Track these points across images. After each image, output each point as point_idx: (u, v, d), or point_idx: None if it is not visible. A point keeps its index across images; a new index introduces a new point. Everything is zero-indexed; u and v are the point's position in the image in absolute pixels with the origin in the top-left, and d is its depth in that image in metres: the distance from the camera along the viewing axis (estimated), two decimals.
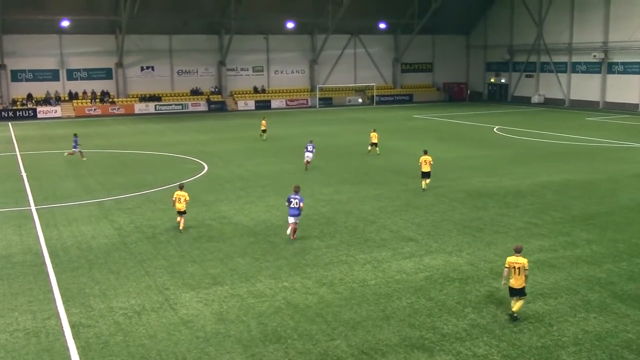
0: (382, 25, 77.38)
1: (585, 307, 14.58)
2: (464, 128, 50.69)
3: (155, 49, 69.83)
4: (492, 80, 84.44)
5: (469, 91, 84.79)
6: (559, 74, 75.13)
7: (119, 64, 68.62)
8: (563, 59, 74.35)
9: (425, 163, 27.10)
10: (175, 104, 69.73)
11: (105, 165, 34.25)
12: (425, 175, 27.10)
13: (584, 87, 72.03)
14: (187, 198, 21.21)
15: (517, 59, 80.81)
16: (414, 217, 22.79)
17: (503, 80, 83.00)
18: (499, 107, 72.18)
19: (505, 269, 14.16)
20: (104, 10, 65.60)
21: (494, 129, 49.53)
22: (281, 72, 76.69)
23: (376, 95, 79.23)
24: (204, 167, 33.16)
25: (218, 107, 71.01)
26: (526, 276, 14.03)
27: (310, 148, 31.36)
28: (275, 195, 26.56)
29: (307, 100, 76.04)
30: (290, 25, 72.64)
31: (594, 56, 69.06)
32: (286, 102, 74.69)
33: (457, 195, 26.32)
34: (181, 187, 21.64)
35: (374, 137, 37.19)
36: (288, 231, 20.20)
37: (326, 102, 76.34)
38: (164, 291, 15.61)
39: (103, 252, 18.91)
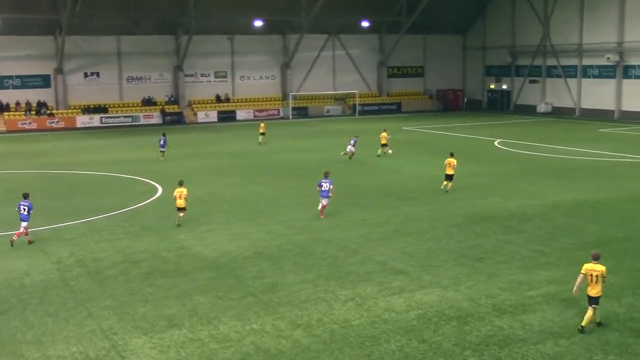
0: (365, 24, 78.13)
1: (602, 348, 14.67)
2: (460, 141, 51.22)
3: (101, 53, 69.72)
4: (492, 86, 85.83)
5: (465, 99, 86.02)
6: (567, 80, 76.55)
7: (59, 70, 68.30)
8: (572, 62, 75.84)
9: (449, 166, 31.43)
10: (125, 116, 69.94)
11: (42, 188, 33.97)
12: (448, 177, 31.46)
13: (597, 94, 73.45)
14: (186, 194, 25.91)
15: (520, 62, 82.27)
16: (404, 245, 22.89)
17: (504, 87, 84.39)
18: (500, 118, 73.54)
19: (581, 275, 15.64)
20: (40, 8, 65.16)
21: (495, 143, 50.13)
22: (248, 78, 77.24)
23: (359, 104, 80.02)
24: (157, 189, 33.28)
25: (174, 119, 71.22)
26: (604, 283, 15.60)
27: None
28: (241, 222, 26.53)
29: (278, 110, 76.71)
30: (258, 23, 73.16)
31: (608, 59, 70.42)
32: (254, 113, 75.22)
33: (453, 220, 26.52)
34: (181, 184, 26.30)
35: (384, 138, 41.87)
36: (319, 207, 26.81)
37: (301, 112, 76.95)
38: (111, 336, 15.55)
39: (38, 291, 18.79)
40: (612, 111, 71.89)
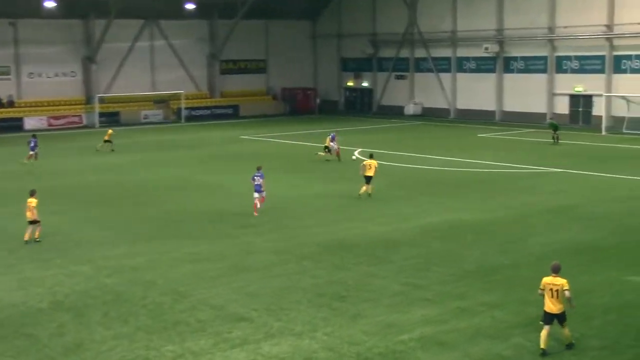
0: (190, 6, 77.98)
1: None
2: (312, 153, 51.96)
3: None
4: (351, 83, 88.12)
5: (318, 100, 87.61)
6: (440, 75, 79.86)
7: None
8: (445, 53, 79.18)
9: (370, 167, 35.44)
10: None
11: None
12: (368, 179, 35.32)
13: (475, 92, 77.14)
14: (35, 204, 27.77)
15: (383, 54, 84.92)
16: (246, 284, 22.85)
17: (365, 84, 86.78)
18: (360, 122, 75.98)
19: (539, 291, 17.10)
20: None
21: (355, 154, 51.08)
22: (39, 76, 75.33)
23: (185, 108, 79.69)
24: None
25: None
26: (569, 299, 16.83)
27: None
28: (31, 264, 25.68)
29: (81, 117, 75.41)
30: (50, 4, 70.85)
31: (486, 49, 74.25)
32: (49, 121, 73.43)
33: (307, 250, 26.78)
34: (32, 194, 28.16)
35: (328, 141, 46.60)
36: (258, 205, 31.78)
37: (111, 119, 75.53)
38: None
39: None
40: (493, 112, 75.82)
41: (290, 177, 41.92)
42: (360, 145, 55.48)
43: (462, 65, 78.13)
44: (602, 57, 67.78)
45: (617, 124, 65.47)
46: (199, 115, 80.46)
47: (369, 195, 35.59)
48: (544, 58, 71.94)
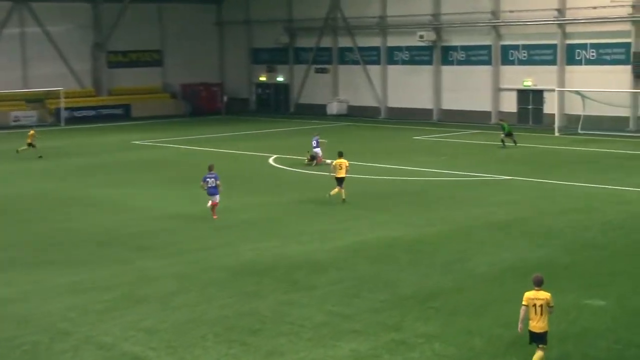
0: None
1: None
2: (219, 160, 51.36)
3: None
4: (263, 78, 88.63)
5: (225, 98, 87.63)
6: (368, 67, 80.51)
7: None
8: (374, 42, 79.94)
9: (341, 168, 37.31)
10: None
11: None
12: (340, 182, 37.26)
13: (409, 88, 78.09)
14: None
15: (301, 44, 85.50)
16: (141, 318, 22.51)
17: (280, 79, 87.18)
18: (275, 124, 76.49)
19: (523, 307, 17.52)
20: None
21: (270, 160, 51.36)
22: None
23: (65, 109, 78.70)
24: None
25: None
26: (551, 314, 17.63)
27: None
28: None
29: None
30: None
31: (421, 37, 74.95)
32: None
33: (213, 276, 26.60)
34: None
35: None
36: (208, 204, 34.25)
37: None
38: None
39: None
40: (430, 111, 76.87)
41: (192, 189, 41.56)
42: (276, 151, 55.64)
43: (393, 56, 78.90)
44: (553, 47, 69.23)
45: (571, 123, 67.03)
46: (82, 117, 79.68)
47: (344, 200, 37.52)
48: (488, 48, 73.15)
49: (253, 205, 38.14)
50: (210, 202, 34.68)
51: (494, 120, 71.22)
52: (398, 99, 78.88)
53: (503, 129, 56.83)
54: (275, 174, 47.51)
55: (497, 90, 73.40)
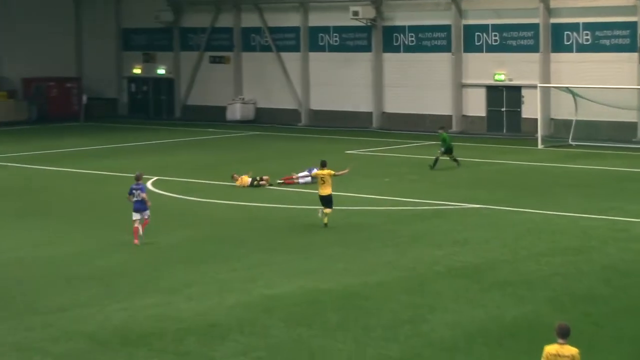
0: None
1: None
2: (79, 184, 51.89)
3: None
4: (138, 71, 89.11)
5: (85, 98, 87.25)
6: (283, 55, 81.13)
7: None
8: (291, 22, 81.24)
9: (324, 182, 38.97)
10: None
11: None
12: (326, 202, 38.95)
13: (339, 83, 78.72)
14: None
15: (190, 23, 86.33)
16: None
17: (162, 72, 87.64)
18: (154, 134, 77.78)
19: None
20: None
21: (148, 184, 50.76)
22: None
23: None
24: None
25: None
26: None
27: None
28: None
29: None
30: None
31: (355, 14, 74.77)
32: None
33: (70, 347, 26.05)
34: None
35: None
36: (136, 226, 36.00)
37: None
38: None
39: None
40: (368, 115, 78.18)
41: (34, 225, 41.49)
42: (155, 171, 55.46)
43: (317, 39, 79.49)
44: (534, 27, 70.05)
45: (559, 131, 67.86)
46: None
47: (325, 225, 39.31)
48: (446, 28, 74.08)
49: (123, 246, 37.52)
50: (136, 222, 36.97)
51: (456, 127, 72.62)
52: (323, 99, 79.64)
53: (443, 141, 56.73)
54: (156, 203, 45.68)
55: (460, 86, 74.22)
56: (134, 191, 37.20)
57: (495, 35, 72.30)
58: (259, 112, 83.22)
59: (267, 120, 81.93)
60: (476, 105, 74.09)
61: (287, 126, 79.60)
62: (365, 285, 31.90)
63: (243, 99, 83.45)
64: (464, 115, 73.58)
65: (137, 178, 37.85)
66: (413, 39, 75.99)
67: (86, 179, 52.24)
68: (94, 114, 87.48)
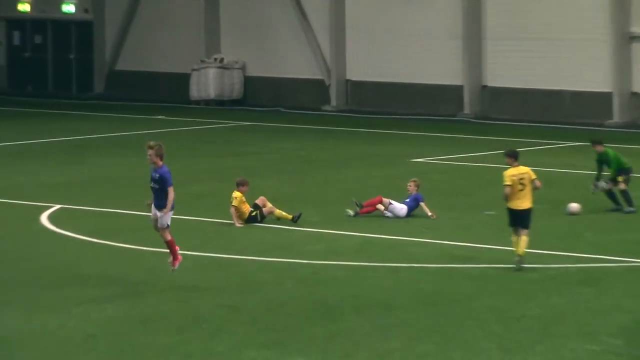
0: None
1: None
2: None
3: None
4: (24, 7, 76.06)
5: None
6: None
7: None
8: None
9: (522, 188, 31.11)
10: None
11: None
12: (521, 218, 31.09)
13: (404, 35, 63.32)
14: None
15: None
16: None
17: (71, 9, 74.29)
18: (59, 123, 63.44)
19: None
20: None
21: (42, 218, 38.50)
22: None
23: None
24: None
25: None
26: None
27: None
28: None
29: None
30: None
31: None
32: None
33: None
34: None
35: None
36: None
37: None
38: None
39: None
40: (455, 89, 64.07)
41: None
42: (53, 196, 42.78)
43: None
44: None
45: None
46: None
47: (520, 258, 29.26)
48: None
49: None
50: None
51: (619, 114, 54.68)
52: (371, 65, 62.60)
53: (606, 162, 39.03)
54: (51, 251, 33.13)
55: (627, 38, 56.13)
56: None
57: None
58: (250, 85, 65.14)
59: (264, 100, 64.56)
60: None
61: (302, 112, 61.86)
62: None
63: (222, 60, 65.28)
64: (634, 93, 54.71)
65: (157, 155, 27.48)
66: None
67: None
68: None
